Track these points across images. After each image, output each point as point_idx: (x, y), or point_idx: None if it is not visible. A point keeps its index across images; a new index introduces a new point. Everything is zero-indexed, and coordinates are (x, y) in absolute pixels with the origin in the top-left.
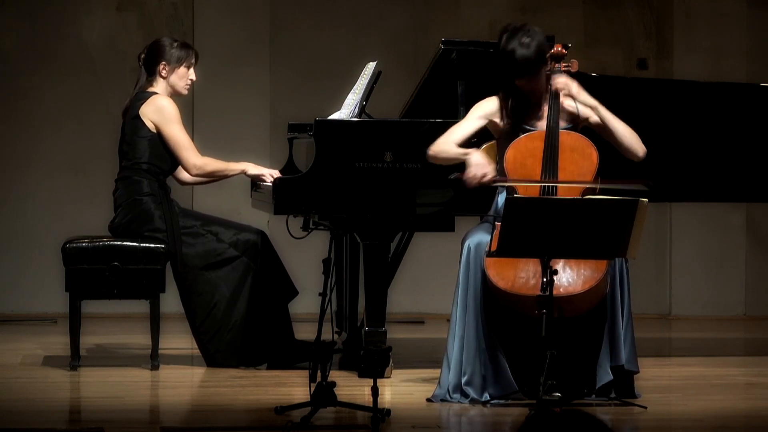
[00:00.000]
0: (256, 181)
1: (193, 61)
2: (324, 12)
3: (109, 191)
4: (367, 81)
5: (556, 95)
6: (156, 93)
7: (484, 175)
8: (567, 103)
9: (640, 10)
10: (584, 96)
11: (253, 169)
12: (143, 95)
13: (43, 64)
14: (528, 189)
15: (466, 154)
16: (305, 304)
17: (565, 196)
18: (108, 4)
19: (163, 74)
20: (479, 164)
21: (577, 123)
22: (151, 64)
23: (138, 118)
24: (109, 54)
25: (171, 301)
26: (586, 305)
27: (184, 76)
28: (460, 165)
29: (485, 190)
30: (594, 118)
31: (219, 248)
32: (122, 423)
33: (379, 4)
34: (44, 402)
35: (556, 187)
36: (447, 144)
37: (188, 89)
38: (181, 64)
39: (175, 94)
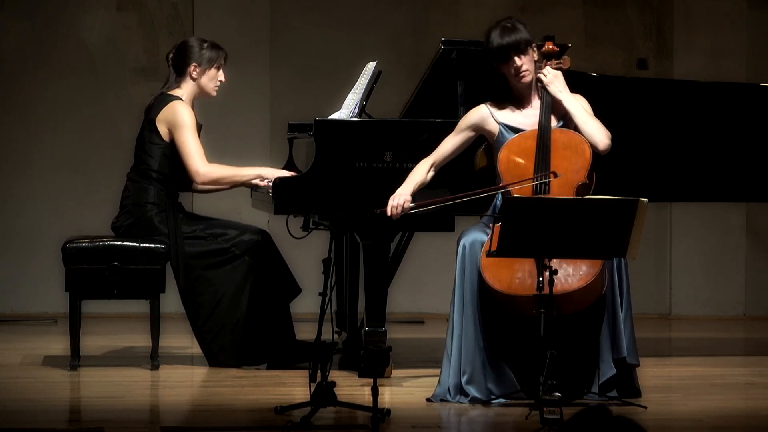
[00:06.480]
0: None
1: (223, 62)
2: (324, 12)
3: (109, 190)
4: (367, 81)
5: (547, 93)
6: (178, 98)
7: (402, 203)
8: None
9: (640, 10)
10: (557, 90)
11: (268, 172)
12: (166, 99)
13: (43, 64)
14: (522, 190)
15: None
16: (305, 304)
17: (559, 193)
18: (108, 4)
19: (193, 76)
20: (393, 196)
21: (568, 119)
22: (180, 65)
23: (154, 123)
24: (109, 54)
25: (171, 301)
26: (584, 302)
27: (214, 78)
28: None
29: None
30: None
31: (221, 249)
32: (122, 423)
33: (379, 4)
34: (44, 402)
35: (548, 185)
36: (421, 165)
37: (217, 90)
38: (212, 66)
39: (203, 95)
